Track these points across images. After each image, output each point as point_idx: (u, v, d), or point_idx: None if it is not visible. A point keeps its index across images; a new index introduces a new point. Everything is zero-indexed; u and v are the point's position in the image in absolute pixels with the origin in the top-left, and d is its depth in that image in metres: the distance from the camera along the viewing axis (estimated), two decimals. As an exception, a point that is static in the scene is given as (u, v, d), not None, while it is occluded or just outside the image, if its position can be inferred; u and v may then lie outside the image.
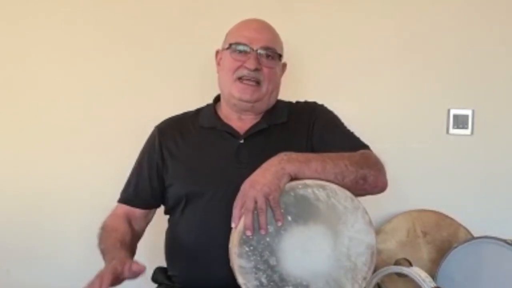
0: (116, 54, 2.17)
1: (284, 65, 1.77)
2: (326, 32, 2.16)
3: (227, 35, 1.71)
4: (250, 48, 1.62)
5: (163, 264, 1.69)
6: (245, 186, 1.39)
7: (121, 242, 1.52)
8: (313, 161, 1.41)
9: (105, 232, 1.59)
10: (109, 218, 1.67)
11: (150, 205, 1.72)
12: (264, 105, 1.68)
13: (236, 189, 1.43)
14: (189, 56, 2.14)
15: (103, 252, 1.50)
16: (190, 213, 1.59)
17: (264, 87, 1.64)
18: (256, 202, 1.34)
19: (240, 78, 1.63)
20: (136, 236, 1.67)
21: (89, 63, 2.17)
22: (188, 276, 1.57)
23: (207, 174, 1.60)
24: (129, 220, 1.67)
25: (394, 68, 2.16)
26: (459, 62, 2.14)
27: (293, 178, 1.38)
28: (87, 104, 2.17)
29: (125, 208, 1.70)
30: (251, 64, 1.60)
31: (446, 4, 2.14)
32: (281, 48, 1.71)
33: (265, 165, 1.40)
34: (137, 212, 1.71)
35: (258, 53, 1.62)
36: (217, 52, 1.74)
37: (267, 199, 1.34)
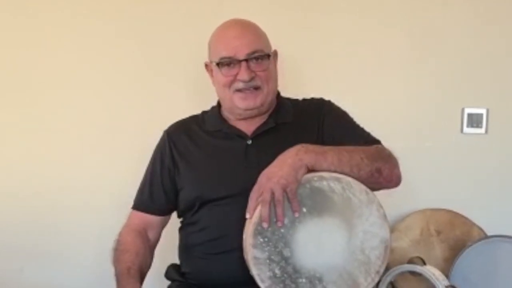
0: (126, 56, 2.17)
1: (275, 53, 1.69)
2: (340, 32, 2.16)
3: (210, 46, 1.67)
4: (237, 59, 1.57)
5: (177, 261, 1.69)
6: (262, 178, 1.38)
7: (129, 269, 1.52)
8: (330, 153, 1.41)
9: (118, 251, 1.59)
10: (124, 231, 1.65)
11: (165, 211, 1.71)
12: (268, 104, 1.66)
13: (247, 190, 1.43)
14: (198, 58, 2.13)
15: (116, 278, 1.53)
16: (202, 215, 1.59)
17: (265, 90, 1.61)
18: (273, 194, 1.33)
19: (238, 90, 1.60)
20: (150, 251, 1.66)
21: (101, 65, 2.17)
22: (201, 275, 1.58)
23: (217, 176, 1.60)
24: (145, 232, 1.67)
25: (408, 67, 2.16)
26: (474, 61, 2.13)
27: (310, 170, 1.38)
28: (99, 106, 2.18)
29: (141, 216, 1.69)
30: (243, 76, 1.56)
31: (460, 3, 2.14)
32: (267, 44, 1.65)
33: (281, 157, 1.40)
34: (154, 220, 1.69)
35: (247, 61, 1.57)
36: (206, 65, 1.71)
37: (284, 191, 1.33)
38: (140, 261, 1.57)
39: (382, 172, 1.45)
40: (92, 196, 2.15)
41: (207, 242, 1.56)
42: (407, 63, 2.16)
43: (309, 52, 2.14)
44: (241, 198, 1.46)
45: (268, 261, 1.34)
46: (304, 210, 1.35)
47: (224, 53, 1.58)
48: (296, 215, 1.35)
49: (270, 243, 1.34)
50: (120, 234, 1.64)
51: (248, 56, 1.56)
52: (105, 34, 2.17)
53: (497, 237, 1.95)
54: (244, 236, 1.40)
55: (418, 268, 1.84)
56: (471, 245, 1.95)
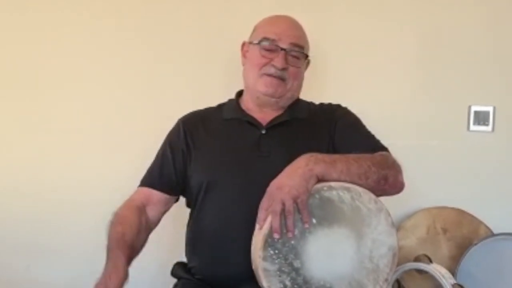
0: (130, 56, 2.17)
1: (308, 62, 1.76)
2: (348, 30, 2.16)
3: (256, 28, 1.71)
4: (279, 45, 1.62)
5: (182, 259, 1.70)
6: (272, 188, 1.38)
7: (118, 241, 1.48)
8: (339, 162, 1.41)
9: (112, 224, 1.55)
10: (123, 205, 1.63)
11: (172, 190, 1.68)
12: (286, 101, 1.69)
13: (257, 179, 1.44)
14: (209, 53, 2.13)
15: (107, 246, 1.49)
16: (211, 202, 1.60)
17: (289, 85, 1.65)
18: (283, 205, 1.34)
19: (265, 74, 1.64)
20: (145, 226, 1.62)
21: (103, 65, 2.17)
22: (208, 267, 1.58)
23: (228, 163, 1.60)
24: (143, 207, 1.64)
25: (414, 64, 2.15)
26: (481, 58, 2.12)
27: (320, 179, 1.38)
28: (102, 103, 2.18)
29: (145, 192, 1.67)
30: (279, 62, 1.61)
31: (466, 1, 2.13)
32: (308, 47, 1.72)
33: (292, 167, 1.40)
34: (156, 196, 1.66)
35: (286, 51, 1.62)
36: (243, 44, 1.74)
37: (295, 201, 1.34)
38: (133, 233, 1.53)
39: (388, 179, 1.47)
40: (95, 195, 2.16)
41: (213, 230, 1.57)
42: (414, 60, 2.15)
43: (314, 50, 2.12)
44: (249, 186, 1.47)
45: (278, 272, 1.34)
46: (314, 221, 1.36)
47: (271, 35, 1.64)
48: (306, 226, 1.35)
49: (281, 255, 1.34)
50: (119, 208, 1.61)
51: (290, 46, 1.63)
52: (110, 33, 2.18)
53: (504, 235, 1.96)
54: (252, 248, 1.40)
55: (424, 266, 1.86)
56: (477, 243, 1.96)
